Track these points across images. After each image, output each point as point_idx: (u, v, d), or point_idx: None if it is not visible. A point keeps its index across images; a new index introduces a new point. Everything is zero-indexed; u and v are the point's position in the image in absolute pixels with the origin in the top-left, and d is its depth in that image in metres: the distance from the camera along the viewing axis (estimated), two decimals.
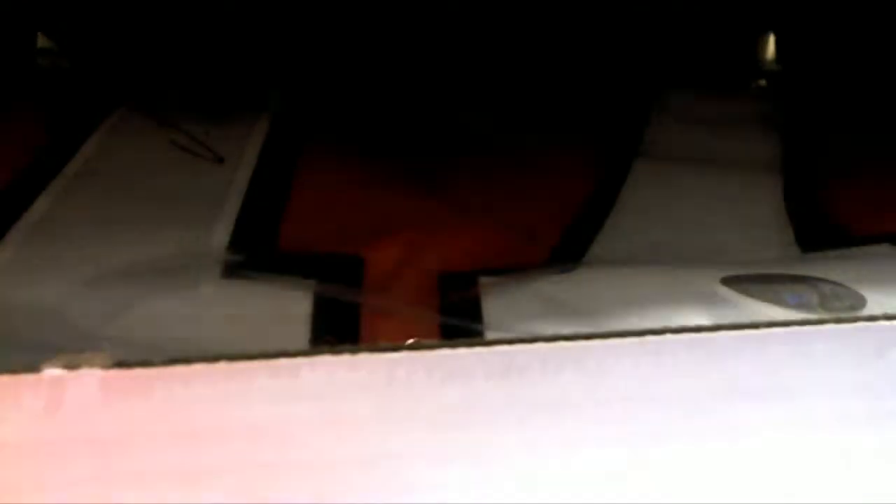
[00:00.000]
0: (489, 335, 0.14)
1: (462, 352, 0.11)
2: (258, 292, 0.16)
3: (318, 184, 0.21)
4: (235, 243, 0.18)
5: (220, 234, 0.18)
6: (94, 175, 0.20)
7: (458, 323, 0.14)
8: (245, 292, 0.16)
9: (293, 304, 0.16)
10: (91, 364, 0.09)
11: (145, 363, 0.09)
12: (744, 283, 0.16)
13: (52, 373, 0.09)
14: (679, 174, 0.23)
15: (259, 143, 0.23)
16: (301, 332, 0.16)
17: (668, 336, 0.11)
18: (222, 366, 0.10)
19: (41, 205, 0.19)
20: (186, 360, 0.10)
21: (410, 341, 0.14)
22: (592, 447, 0.11)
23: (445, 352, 0.11)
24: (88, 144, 0.22)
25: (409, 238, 0.20)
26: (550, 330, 0.15)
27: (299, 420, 0.10)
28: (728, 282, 0.16)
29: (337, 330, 0.16)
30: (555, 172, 0.24)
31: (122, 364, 0.09)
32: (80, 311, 0.15)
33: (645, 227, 0.20)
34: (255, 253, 0.18)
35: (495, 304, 0.15)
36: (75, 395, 0.09)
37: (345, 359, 0.10)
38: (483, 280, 0.17)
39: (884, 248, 0.20)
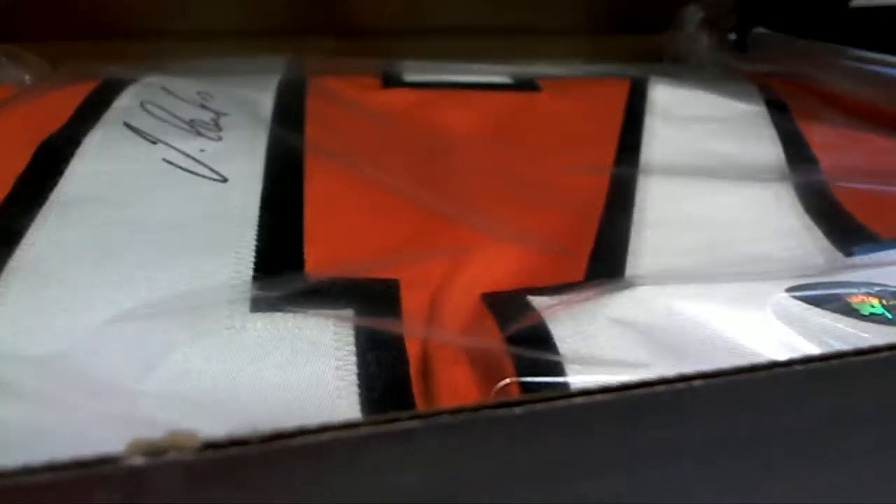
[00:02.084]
0: (570, 367, 0.13)
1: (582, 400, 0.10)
2: (294, 327, 0.15)
3: (327, 200, 0.20)
4: (259, 272, 0.17)
5: (241, 264, 0.17)
6: (88, 202, 0.18)
7: (532, 354, 0.13)
8: (280, 328, 0.15)
9: (335, 339, 0.15)
10: (179, 448, 0.08)
11: (239, 442, 0.08)
12: (808, 291, 0.16)
13: (132, 462, 0.08)
14: (686, 179, 0.23)
15: (261, 157, 0.22)
16: (349, 367, 0.15)
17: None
18: (328, 436, 0.08)
19: (32, 239, 0.17)
20: (284, 434, 0.08)
21: (505, 382, 0.13)
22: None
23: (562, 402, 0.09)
24: (75, 166, 0.20)
25: (440, 257, 0.18)
26: (630, 356, 0.14)
27: (421, 493, 0.09)
28: (793, 291, 0.16)
29: (385, 362, 0.15)
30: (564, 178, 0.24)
31: (211, 445, 0.08)
32: (100, 363, 0.14)
33: (672, 237, 0.19)
34: (283, 283, 0.16)
35: (563, 330, 0.14)
36: (159, 490, 0.08)
37: (462, 418, 0.09)
38: (536, 301, 0.16)
39: None
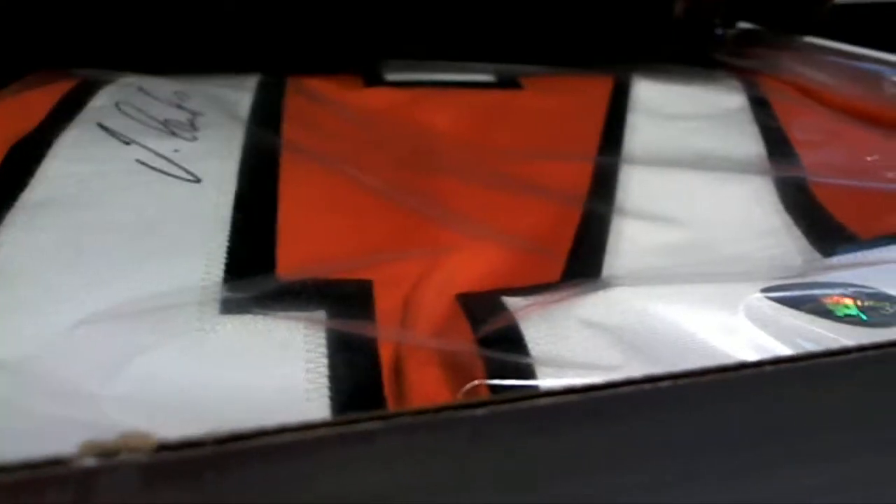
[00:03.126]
0: (541, 370, 0.13)
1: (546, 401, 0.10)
2: (264, 329, 0.15)
3: (302, 200, 0.20)
4: (230, 274, 0.17)
5: (212, 265, 0.17)
6: (57, 203, 0.18)
7: (504, 357, 0.13)
8: (251, 330, 0.15)
9: (306, 341, 0.15)
10: (131, 449, 0.08)
11: (194, 443, 0.08)
12: (783, 292, 0.16)
13: (83, 464, 0.08)
14: (667, 176, 0.23)
15: (236, 157, 0.22)
16: (319, 370, 0.15)
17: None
18: (287, 437, 0.08)
19: (1, 241, 0.17)
20: (241, 436, 0.08)
21: (472, 384, 0.13)
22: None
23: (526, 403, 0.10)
24: (46, 167, 0.20)
25: (416, 258, 0.19)
26: (602, 358, 0.14)
27: (382, 494, 0.09)
28: (768, 292, 0.16)
29: (357, 364, 0.15)
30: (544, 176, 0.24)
31: (165, 447, 0.08)
32: (67, 366, 0.14)
33: (651, 236, 0.20)
34: (254, 284, 0.16)
35: (535, 332, 0.14)
36: (110, 491, 0.08)
37: (423, 419, 0.09)
38: (510, 302, 0.16)
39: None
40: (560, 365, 0.13)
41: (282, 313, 0.16)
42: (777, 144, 0.26)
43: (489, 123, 0.27)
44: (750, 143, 0.26)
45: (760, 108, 0.29)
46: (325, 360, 0.15)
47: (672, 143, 0.26)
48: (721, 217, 0.21)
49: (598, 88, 0.30)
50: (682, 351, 0.14)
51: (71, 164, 0.20)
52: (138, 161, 0.21)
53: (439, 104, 0.28)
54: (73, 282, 0.16)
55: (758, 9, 0.40)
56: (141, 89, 0.26)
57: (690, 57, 0.38)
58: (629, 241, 0.19)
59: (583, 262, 0.18)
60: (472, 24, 0.34)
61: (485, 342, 0.14)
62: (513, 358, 0.13)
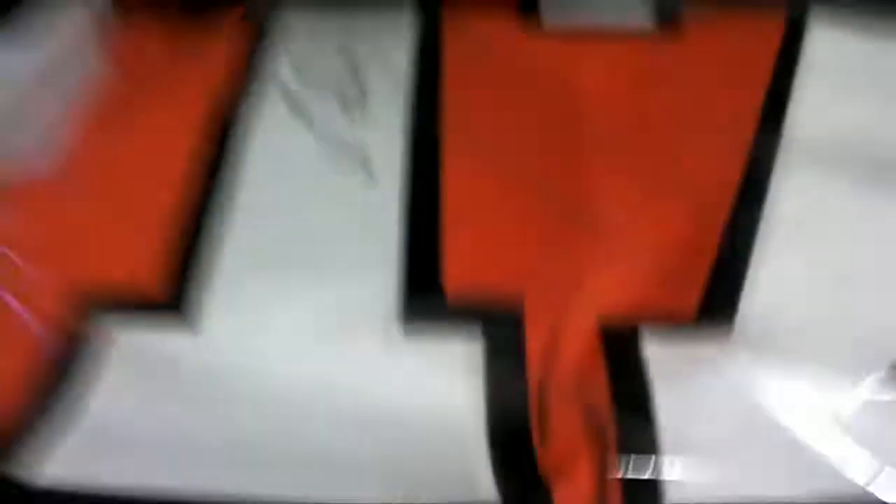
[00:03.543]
0: (666, 437, 0.16)
1: None
2: (437, 354, 0.18)
3: (466, 207, 0.22)
4: (406, 289, 0.20)
5: (388, 279, 0.20)
6: (261, 207, 0.22)
7: (634, 425, 0.16)
8: (425, 354, 0.18)
9: (465, 369, 0.18)
10: None
11: None
12: None
13: None
14: (831, 185, 0.22)
15: (401, 145, 0.24)
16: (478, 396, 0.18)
17: None
18: None
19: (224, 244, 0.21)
20: None
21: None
22: None
23: None
24: (246, 157, 0.23)
25: (564, 276, 0.21)
26: (722, 445, 0.16)
27: None
28: None
29: (508, 395, 0.18)
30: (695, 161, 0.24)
31: None
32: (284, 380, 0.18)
33: (797, 267, 0.20)
34: (427, 305, 0.19)
35: (667, 398, 0.17)
36: None
37: None
38: (650, 352, 0.18)
39: None
40: (684, 452, 0.16)
41: (449, 338, 0.19)
42: None
43: (643, 86, 0.28)
44: None
45: None
46: (481, 388, 0.18)
47: (845, 127, 0.25)
48: (881, 255, 0.20)
49: (766, 38, 0.29)
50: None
51: (265, 154, 0.24)
52: (321, 150, 0.23)
53: (594, 61, 0.29)
54: (278, 297, 0.20)
55: None
56: (312, 41, 0.28)
57: None
58: (772, 270, 0.20)
59: (719, 296, 0.20)
60: None
61: (618, 393, 0.17)
62: (641, 427, 0.16)
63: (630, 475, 0.15)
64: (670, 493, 0.15)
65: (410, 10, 0.30)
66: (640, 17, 0.31)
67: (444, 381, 0.18)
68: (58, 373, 0.18)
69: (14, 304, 0.20)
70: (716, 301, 0.20)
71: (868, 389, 0.16)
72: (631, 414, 0.16)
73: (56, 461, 0.17)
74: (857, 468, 0.15)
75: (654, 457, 0.16)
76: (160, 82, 0.28)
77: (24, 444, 0.17)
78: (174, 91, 0.27)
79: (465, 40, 0.29)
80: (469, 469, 0.17)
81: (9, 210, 0.22)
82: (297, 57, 0.27)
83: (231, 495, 0.16)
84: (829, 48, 0.28)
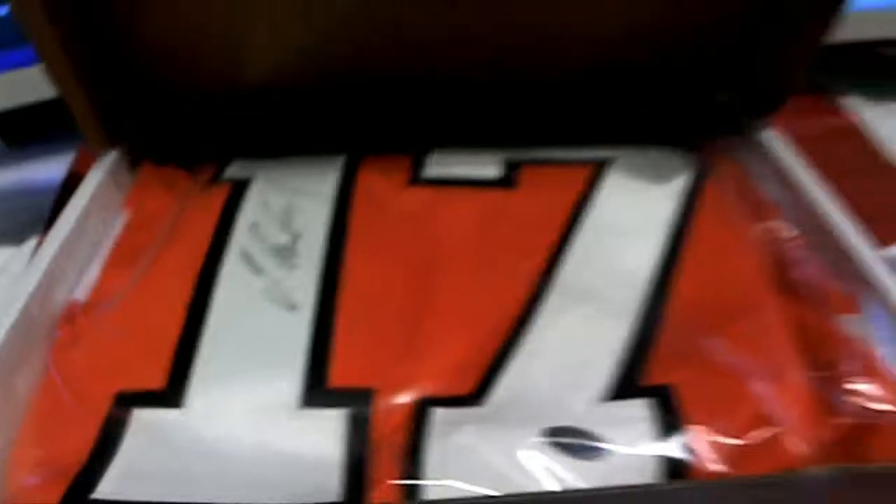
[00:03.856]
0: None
1: None
2: (321, 420, 0.33)
3: (352, 326, 0.37)
4: (306, 384, 0.34)
5: (294, 377, 0.34)
6: (228, 328, 0.36)
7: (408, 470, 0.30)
8: (315, 420, 0.32)
9: (333, 438, 0.32)
10: None
11: None
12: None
13: None
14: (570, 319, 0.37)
15: (317, 284, 0.39)
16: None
17: None
18: None
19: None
20: None
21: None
22: None
23: None
24: (217, 297, 0.38)
25: (402, 375, 0.35)
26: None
27: None
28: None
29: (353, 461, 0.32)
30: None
31: None
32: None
33: (536, 373, 0.35)
34: (316, 391, 0.34)
35: (440, 447, 0.31)
36: None
37: None
38: (438, 419, 0.33)
39: None
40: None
41: (329, 412, 0.33)
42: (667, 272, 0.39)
43: (480, 233, 0.42)
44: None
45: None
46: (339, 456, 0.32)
47: (603, 263, 0.39)
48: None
49: (568, 192, 0.44)
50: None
51: (229, 291, 0.38)
52: (263, 291, 0.38)
53: (452, 208, 0.43)
54: (243, 382, 0.34)
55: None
56: (265, 204, 0.43)
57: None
58: (520, 371, 0.35)
59: (487, 384, 0.34)
60: (498, 115, 0.48)
61: (408, 452, 0.31)
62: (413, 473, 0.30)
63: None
64: None
65: (336, 171, 0.45)
66: (491, 172, 0.46)
67: (323, 440, 0.33)
68: (100, 437, 0.33)
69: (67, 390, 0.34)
70: (484, 386, 0.34)
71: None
72: (411, 463, 0.31)
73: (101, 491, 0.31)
74: None
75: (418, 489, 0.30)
76: (164, 232, 0.42)
77: (79, 482, 0.31)
78: (175, 240, 0.41)
79: (367, 194, 0.44)
80: (328, 485, 0.30)
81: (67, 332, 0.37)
82: (251, 216, 0.42)
83: None
84: (610, 195, 0.43)
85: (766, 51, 0.44)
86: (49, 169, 0.52)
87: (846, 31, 0.50)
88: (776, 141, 0.45)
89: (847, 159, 0.56)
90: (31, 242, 0.46)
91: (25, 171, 0.52)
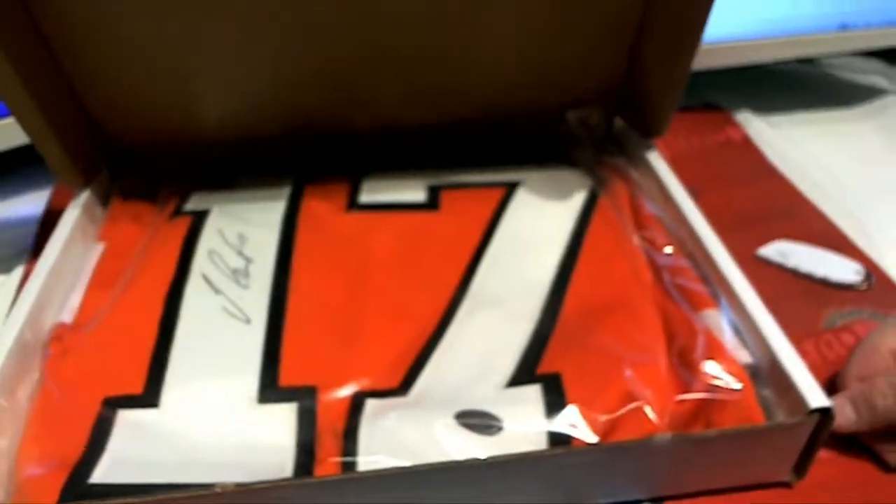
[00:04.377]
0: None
1: None
2: (274, 413, 0.40)
3: (298, 332, 0.44)
4: (261, 382, 0.41)
5: (252, 378, 0.41)
6: (198, 338, 0.43)
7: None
8: (268, 414, 0.40)
9: (290, 425, 0.40)
10: None
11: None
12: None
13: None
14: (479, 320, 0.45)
15: (267, 298, 0.46)
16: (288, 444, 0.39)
17: None
18: None
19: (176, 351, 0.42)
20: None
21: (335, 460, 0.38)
22: None
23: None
24: (182, 311, 0.45)
25: (341, 371, 0.42)
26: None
27: None
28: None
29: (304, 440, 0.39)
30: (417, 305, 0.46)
31: None
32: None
33: (455, 367, 0.42)
34: (269, 389, 0.41)
35: (370, 429, 0.38)
36: None
37: None
38: (368, 409, 0.40)
39: None
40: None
41: (280, 406, 0.41)
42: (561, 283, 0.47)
43: (407, 250, 0.49)
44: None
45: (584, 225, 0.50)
46: (291, 441, 0.39)
47: (509, 275, 0.47)
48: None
49: (482, 212, 0.51)
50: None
51: (192, 309, 0.45)
52: (223, 308, 0.45)
53: (382, 231, 0.50)
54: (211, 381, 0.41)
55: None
56: (220, 232, 0.50)
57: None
58: (436, 369, 0.42)
59: (410, 377, 0.42)
60: (421, 145, 0.55)
61: (346, 434, 0.39)
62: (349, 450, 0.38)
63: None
64: None
65: (283, 200, 0.52)
66: (417, 197, 0.53)
67: (278, 429, 0.40)
68: (92, 435, 0.39)
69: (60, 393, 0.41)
70: (408, 380, 0.42)
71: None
72: (348, 444, 0.38)
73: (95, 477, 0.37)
74: None
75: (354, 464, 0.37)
76: (136, 259, 0.49)
77: (77, 471, 0.38)
78: (146, 266, 0.48)
79: (310, 219, 0.51)
80: (284, 465, 0.38)
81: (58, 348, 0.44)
82: (209, 244, 0.49)
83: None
84: (517, 214, 0.51)
85: (644, 84, 0.52)
86: (27, 204, 0.58)
87: (730, 56, 0.59)
88: (658, 160, 0.53)
89: (737, 168, 0.65)
90: (18, 271, 0.52)
91: (5, 207, 0.58)
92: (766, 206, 0.57)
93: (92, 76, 0.46)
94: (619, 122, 0.58)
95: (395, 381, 0.41)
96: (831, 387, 0.43)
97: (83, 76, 0.47)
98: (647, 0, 0.48)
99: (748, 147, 0.66)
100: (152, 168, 0.54)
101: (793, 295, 0.50)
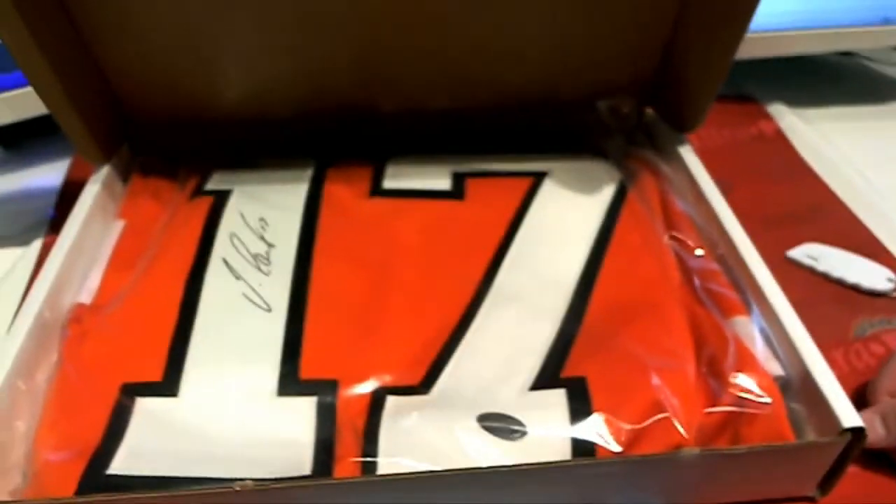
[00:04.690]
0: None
1: None
2: (293, 406, 0.39)
3: (319, 324, 0.43)
4: (282, 373, 0.40)
5: (273, 368, 0.41)
6: (218, 325, 0.42)
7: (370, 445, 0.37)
8: (288, 406, 0.39)
9: (308, 417, 0.39)
10: None
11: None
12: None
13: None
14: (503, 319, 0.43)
15: (288, 287, 0.45)
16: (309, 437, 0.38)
17: None
18: None
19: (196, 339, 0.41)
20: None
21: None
22: None
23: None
24: (203, 294, 0.44)
25: (362, 365, 0.41)
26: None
27: None
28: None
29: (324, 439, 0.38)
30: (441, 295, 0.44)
31: None
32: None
33: (479, 363, 0.41)
34: (290, 381, 0.40)
35: (390, 428, 0.37)
36: None
37: None
38: (388, 406, 0.39)
39: None
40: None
41: (301, 399, 0.40)
42: (588, 282, 0.45)
43: (431, 241, 0.48)
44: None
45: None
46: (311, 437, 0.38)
47: (536, 269, 0.46)
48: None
49: (509, 203, 0.50)
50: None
51: (213, 293, 0.44)
52: (243, 295, 0.44)
53: (405, 219, 0.49)
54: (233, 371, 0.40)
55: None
56: (241, 215, 0.49)
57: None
58: (464, 363, 0.41)
59: (432, 374, 0.41)
60: (448, 131, 0.54)
61: (367, 431, 0.38)
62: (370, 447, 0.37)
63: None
64: None
65: (305, 183, 0.51)
66: (442, 185, 0.52)
67: (297, 423, 0.39)
68: (110, 423, 0.39)
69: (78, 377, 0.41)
70: (430, 377, 0.41)
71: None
72: (368, 444, 0.37)
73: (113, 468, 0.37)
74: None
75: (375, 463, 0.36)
76: (156, 240, 0.48)
77: (95, 461, 0.37)
78: (166, 248, 0.47)
79: (333, 204, 0.50)
80: (302, 462, 0.37)
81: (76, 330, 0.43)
82: (230, 227, 0.48)
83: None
84: (544, 207, 0.49)
85: (680, 76, 0.50)
86: (47, 174, 0.57)
87: (771, 47, 0.57)
88: (691, 155, 0.51)
89: (768, 164, 0.63)
90: (36, 244, 0.51)
91: (24, 177, 0.57)
92: (797, 204, 0.56)
93: (115, 53, 0.45)
94: (649, 113, 0.56)
95: (416, 378, 0.40)
96: (859, 398, 0.42)
97: (107, 53, 0.45)
98: None
99: (780, 141, 0.64)
100: (173, 144, 0.52)
101: (823, 300, 0.48)
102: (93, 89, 0.46)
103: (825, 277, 0.50)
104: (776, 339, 0.40)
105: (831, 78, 0.74)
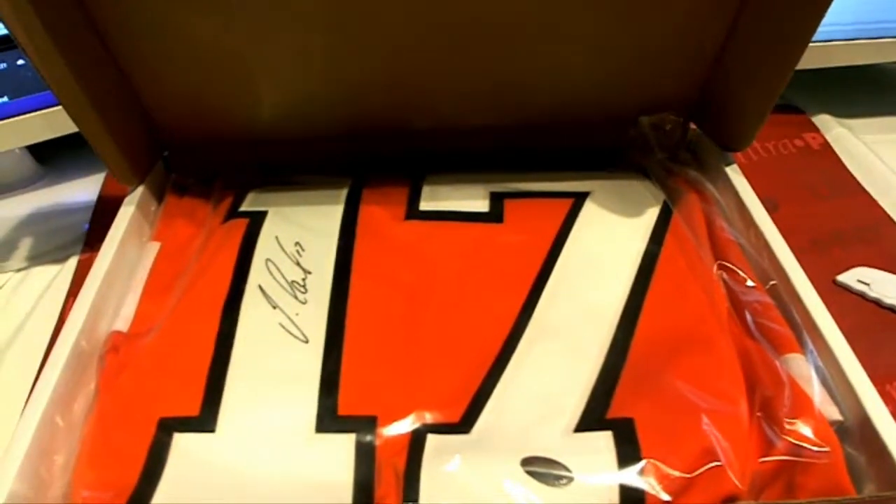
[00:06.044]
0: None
1: None
2: (331, 445, 0.37)
3: (357, 361, 0.41)
4: (320, 409, 0.39)
5: (311, 404, 0.39)
6: (253, 358, 0.41)
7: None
8: (326, 444, 0.37)
9: (343, 459, 0.37)
10: None
11: None
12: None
13: None
14: (556, 348, 0.41)
15: (325, 319, 0.43)
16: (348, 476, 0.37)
17: None
18: None
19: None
20: None
21: None
22: None
23: None
24: (241, 322, 0.42)
25: (401, 403, 0.40)
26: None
27: None
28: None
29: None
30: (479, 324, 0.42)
31: None
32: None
33: (517, 404, 0.39)
34: (328, 418, 0.38)
35: (431, 470, 0.36)
36: None
37: None
38: (430, 445, 0.37)
39: None
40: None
41: (339, 436, 0.38)
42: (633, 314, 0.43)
43: (469, 268, 0.46)
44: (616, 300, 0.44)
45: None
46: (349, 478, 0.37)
47: (575, 303, 0.44)
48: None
49: (548, 226, 0.48)
50: None
51: (250, 324, 0.43)
52: (280, 325, 0.43)
53: (443, 244, 0.47)
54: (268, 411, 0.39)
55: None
56: (277, 240, 0.47)
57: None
58: (503, 401, 0.39)
59: (472, 413, 0.39)
60: (486, 151, 0.52)
61: (406, 472, 0.36)
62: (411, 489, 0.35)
63: None
64: None
65: (340, 205, 0.49)
66: (480, 206, 0.50)
67: (335, 463, 0.37)
68: (147, 461, 0.37)
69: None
70: (470, 415, 0.39)
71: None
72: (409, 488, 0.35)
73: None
74: None
75: None
76: (191, 264, 0.46)
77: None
78: (201, 273, 0.46)
79: (369, 227, 0.48)
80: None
81: (113, 359, 0.42)
82: (265, 252, 0.46)
83: None
84: (591, 234, 0.47)
85: (730, 94, 0.48)
86: (81, 189, 0.56)
87: (825, 58, 0.54)
88: (738, 176, 0.48)
89: (814, 179, 0.60)
90: (73, 261, 0.50)
91: (60, 191, 0.56)
92: (846, 224, 0.53)
93: (153, 76, 0.44)
94: (694, 129, 0.53)
95: (456, 415, 0.38)
96: None
97: (143, 76, 0.44)
98: (739, 8, 0.43)
99: (827, 154, 0.61)
100: (208, 164, 0.51)
101: (875, 328, 0.46)
102: (129, 116, 0.44)
103: (877, 304, 0.47)
104: (832, 380, 0.37)
105: (879, 86, 0.70)
